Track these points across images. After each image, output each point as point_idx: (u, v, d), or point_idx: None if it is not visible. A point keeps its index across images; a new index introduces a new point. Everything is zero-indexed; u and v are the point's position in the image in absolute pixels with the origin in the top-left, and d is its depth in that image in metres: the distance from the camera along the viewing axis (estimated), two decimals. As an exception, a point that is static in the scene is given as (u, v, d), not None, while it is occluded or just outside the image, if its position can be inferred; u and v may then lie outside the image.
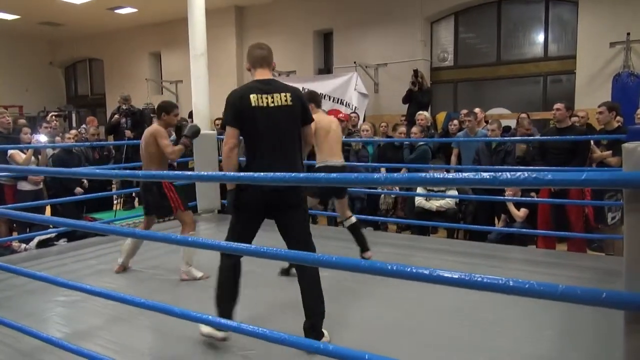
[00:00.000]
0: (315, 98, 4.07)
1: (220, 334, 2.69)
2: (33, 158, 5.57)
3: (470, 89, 9.74)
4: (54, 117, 8.17)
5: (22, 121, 7.46)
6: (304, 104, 2.81)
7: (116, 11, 11.89)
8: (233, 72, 11.75)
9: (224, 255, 2.73)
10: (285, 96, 2.69)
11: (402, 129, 6.39)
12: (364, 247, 4.09)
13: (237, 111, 2.66)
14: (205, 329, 2.73)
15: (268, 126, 2.65)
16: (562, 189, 4.87)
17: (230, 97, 2.72)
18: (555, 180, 1.21)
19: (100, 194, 6.12)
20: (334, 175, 1.54)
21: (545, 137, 5.40)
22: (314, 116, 3.18)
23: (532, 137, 5.79)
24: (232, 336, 2.64)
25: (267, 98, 2.65)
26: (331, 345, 1.63)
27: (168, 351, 2.75)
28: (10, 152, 5.38)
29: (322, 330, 2.71)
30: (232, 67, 11.75)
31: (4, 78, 10.33)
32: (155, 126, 4.00)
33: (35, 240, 5.29)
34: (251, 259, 2.53)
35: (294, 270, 3.71)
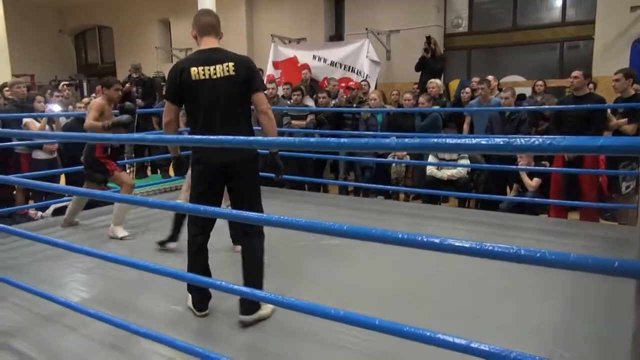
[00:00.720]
0: None
1: (199, 313, 2.74)
2: (47, 127, 5.63)
3: (485, 55, 9.54)
4: (65, 86, 8.19)
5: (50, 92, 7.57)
6: (253, 72, 2.65)
7: (124, -23, 11.72)
8: (243, 40, 11.60)
9: (189, 241, 2.72)
10: (228, 66, 2.55)
11: (407, 95, 6.29)
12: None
13: (176, 86, 2.59)
14: (189, 302, 2.80)
15: (211, 99, 2.55)
16: (577, 157, 4.82)
17: (170, 72, 2.66)
18: (570, 146, 1.18)
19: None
20: (344, 140, 1.53)
21: (562, 106, 5.31)
22: None
23: (548, 106, 5.68)
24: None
25: (209, 70, 2.54)
26: (342, 311, 1.65)
27: (183, 316, 2.81)
28: (25, 120, 5.44)
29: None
30: (242, 35, 11.60)
31: (14, 47, 10.32)
32: (95, 99, 4.35)
33: (51, 208, 5.38)
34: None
35: (170, 245, 3.80)
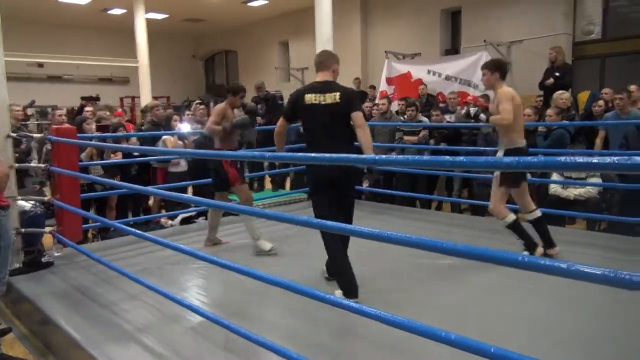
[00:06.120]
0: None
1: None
2: (180, 142, 6.22)
3: (622, 64, 8.63)
4: (199, 106, 8.95)
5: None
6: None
7: (249, 4, 12.61)
8: (357, 57, 11.79)
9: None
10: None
11: (528, 110, 5.86)
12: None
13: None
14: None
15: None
16: None
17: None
18: None
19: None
20: (461, 158, 1.46)
21: None
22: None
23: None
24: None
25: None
26: (453, 335, 1.57)
27: (296, 328, 2.88)
28: (163, 137, 6.08)
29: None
30: (357, 52, 11.79)
31: (155, 71, 11.63)
32: (219, 105, 4.49)
33: (180, 217, 5.87)
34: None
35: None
